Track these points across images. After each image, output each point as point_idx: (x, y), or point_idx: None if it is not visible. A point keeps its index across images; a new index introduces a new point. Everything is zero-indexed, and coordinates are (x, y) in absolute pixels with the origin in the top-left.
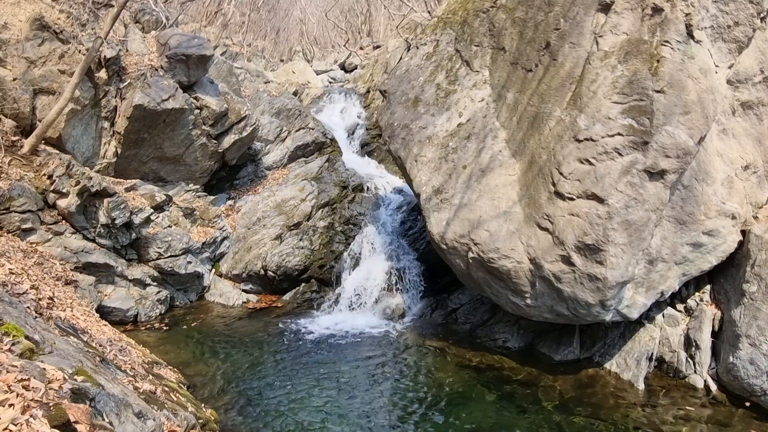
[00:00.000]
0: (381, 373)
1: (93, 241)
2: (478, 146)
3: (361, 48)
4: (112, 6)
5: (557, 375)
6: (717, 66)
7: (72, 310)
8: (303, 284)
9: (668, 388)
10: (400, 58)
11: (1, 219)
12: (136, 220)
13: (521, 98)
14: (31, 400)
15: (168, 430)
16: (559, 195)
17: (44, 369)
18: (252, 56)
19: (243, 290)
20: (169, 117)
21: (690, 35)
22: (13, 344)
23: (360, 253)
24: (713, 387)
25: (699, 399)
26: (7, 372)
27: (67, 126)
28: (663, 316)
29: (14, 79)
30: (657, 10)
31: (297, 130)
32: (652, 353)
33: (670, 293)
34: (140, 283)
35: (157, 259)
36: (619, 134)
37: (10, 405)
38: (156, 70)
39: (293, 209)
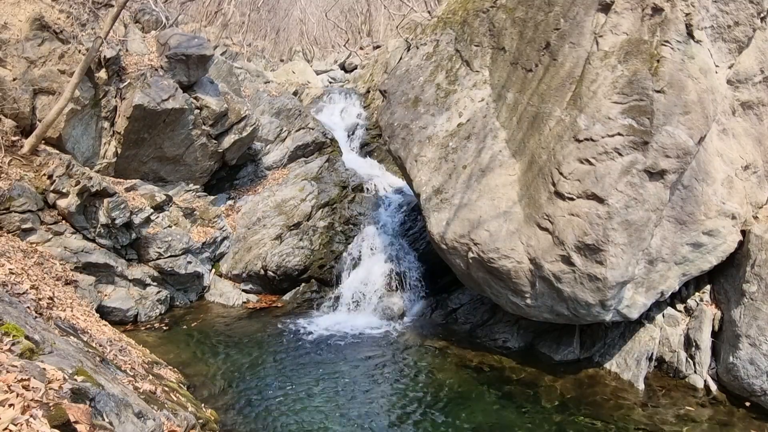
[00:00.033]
0: (381, 373)
1: (93, 241)
2: (478, 146)
3: (361, 48)
4: (112, 6)
5: (557, 375)
6: (717, 66)
7: (72, 310)
8: (303, 284)
9: (668, 388)
10: (400, 58)
11: (1, 219)
12: (136, 220)
13: (521, 98)
14: (31, 400)
15: (168, 430)
16: (559, 195)
17: (44, 369)
18: (252, 56)
19: (243, 290)
20: (169, 117)
21: (690, 35)
22: (13, 344)
23: (360, 254)
24: (713, 387)
25: (699, 399)
26: (7, 372)
27: (67, 126)
28: (663, 316)
29: (14, 79)
30: (657, 10)
31: (297, 130)
32: (652, 353)
33: (670, 293)
34: (140, 283)
35: (157, 259)
36: (619, 134)
37: (10, 405)
38: (156, 70)
39: (293, 209)
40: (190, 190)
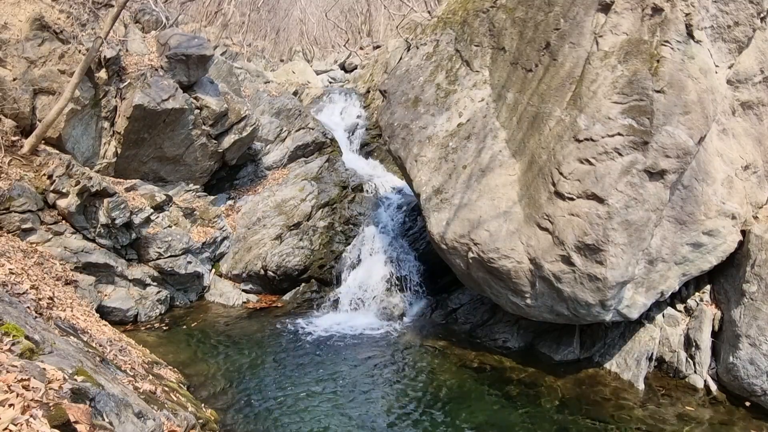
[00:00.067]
0: (381, 373)
1: (93, 241)
2: (478, 146)
3: (361, 48)
4: (112, 6)
5: (557, 375)
6: (717, 66)
7: (72, 310)
8: (303, 284)
9: (668, 388)
10: (400, 58)
11: (1, 219)
12: (136, 220)
13: (521, 98)
14: (31, 400)
15: (168, 430)
16: (559, 195)
17: (44, 369)
18: (252, 56)
19: (243, 290)
20: (169, 117)
21: (690, 35)
22: (13, 344)
23: (360, 254)
24: (713, 387)
25: (699, 399)
26: (7, 372)
27: (67, 126)
28: (663, 316)
29: (14, 79)
30: (657, 10)
31: (297, 130)
32: (652, 353)
33: (670, 293)
34: (140, 283)
35: (157, 259)
36: (619, 134)
37: (10, 405)
38: (156, 70)
39: (293, 209)
40: (190, 190)
